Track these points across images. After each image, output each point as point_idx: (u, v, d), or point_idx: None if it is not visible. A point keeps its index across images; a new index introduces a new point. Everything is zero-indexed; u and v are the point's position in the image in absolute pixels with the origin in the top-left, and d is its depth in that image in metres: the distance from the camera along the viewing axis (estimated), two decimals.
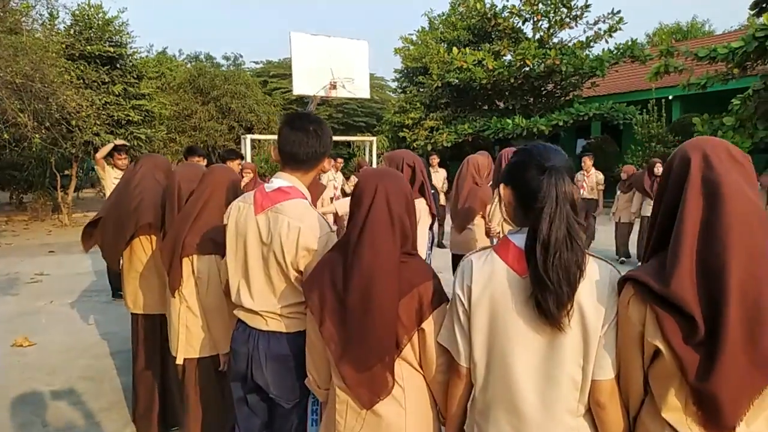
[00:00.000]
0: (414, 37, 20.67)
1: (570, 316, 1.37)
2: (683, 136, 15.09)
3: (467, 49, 16.83)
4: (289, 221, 2.02)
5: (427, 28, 21.05)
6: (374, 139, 13.89)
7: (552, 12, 16.27)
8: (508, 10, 16.82)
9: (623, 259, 8.94)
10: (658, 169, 8.28)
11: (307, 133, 2.09)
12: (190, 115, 20.40)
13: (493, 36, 18.69)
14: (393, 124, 19.96)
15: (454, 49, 16.83)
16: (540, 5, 16.70)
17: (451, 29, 19.35)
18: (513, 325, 1.44)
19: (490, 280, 1.48)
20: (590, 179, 9.29)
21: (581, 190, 9.17)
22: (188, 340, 2.77)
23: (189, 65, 28.20)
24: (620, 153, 17.45)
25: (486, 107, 19.23)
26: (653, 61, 17.38)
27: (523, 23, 16.84)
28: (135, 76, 14.41)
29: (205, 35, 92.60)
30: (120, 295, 6.95)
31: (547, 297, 1.35)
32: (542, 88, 17.66)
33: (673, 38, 28.38)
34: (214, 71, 22.29)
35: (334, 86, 12.16)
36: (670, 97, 17.01)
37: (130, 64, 14.54)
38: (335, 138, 14.59)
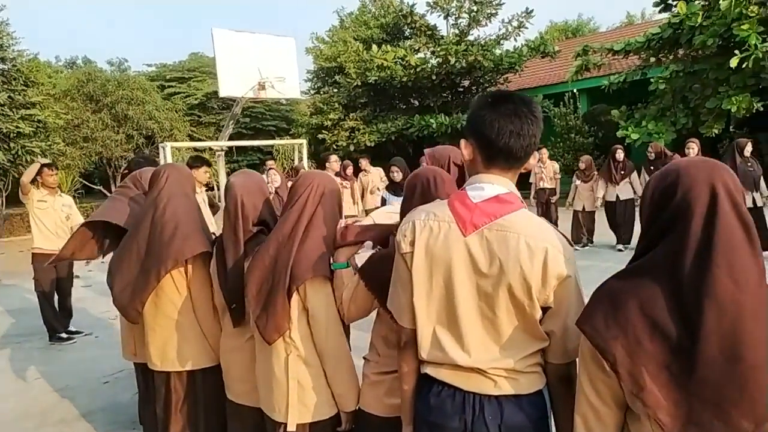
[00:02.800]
0: (326, 37, 20.05)
1: None
2: (597, 126, 15.92)
3: (388, 46, 16.54)
4: (527, 241, 1.46)
5: (338, 27, 20.50)
6: (303, 141, 13.15)
7: (468, 9, 16.42)
8: (427, 6, 16.73)
9: (621, 247, 8.84)
10: (619, 154, 8.67)
11: (523, 118, 1.54)
12: (79, 124, 18.29)
13: (407, 34, 18.59)
14: (310, 126, 19.23)
15: (374, 47, 16.48)
16: (454, 3, 16.84)
17: (364, 27, 18.98)
18: None
19: None
20: (548, 169, 9.69)
21: (540, 181, 9.52)
22: (301, 399, 2.08)
23: (67, 71, 25.46)
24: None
25: (404, 106, 19.09)
26: (562, 57, 18.29)
27: (446, 17, 16.83)
28: (22, 83, 12.52)
29: (80, 39, 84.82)
30: (61, 338, 5.79)
31: None
32: (460, 85, 17.82)
33: (563, 36, 30.14)
34: (105, 76, 20.19)
35: (262, 86, 11.35)
36: (575, 91, 17.93)
37: (15, 68, 12.60)
38: (255, 142, 13.73)
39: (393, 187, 6.08)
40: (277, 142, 15.61)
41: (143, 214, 2.67)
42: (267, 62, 11.31)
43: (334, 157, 7.94)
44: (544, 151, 10.12)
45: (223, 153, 13.16)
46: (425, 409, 1.63)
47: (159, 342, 2.70)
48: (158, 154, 20.70)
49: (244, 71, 11.05)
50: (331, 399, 2.11)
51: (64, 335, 5.87)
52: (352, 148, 17.89)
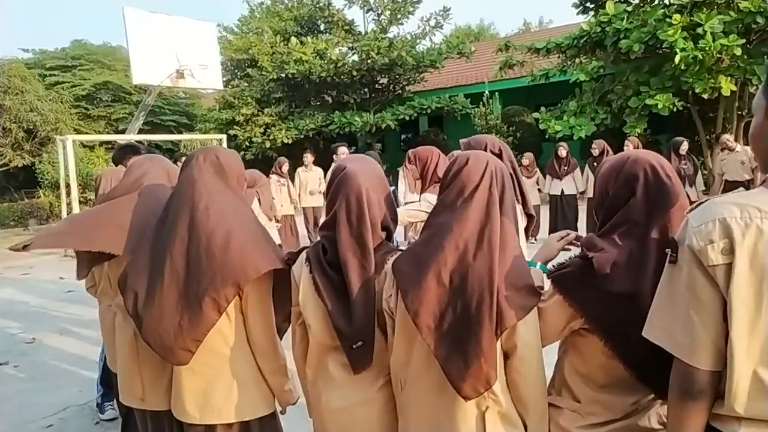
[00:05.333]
0: (234, 27, 18.89)
1: None
2: (515, 126, 16.39)
3: (309, 38, 15.84)
4: None
5: (248, 17, 19.40)
6: (223, 137, 12.15)
7: (390, 6, 16.21)
8: (346, 0, 16.26)
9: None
10: (561, 151, 8.89)
11: None
12: None
13: (322, 28, 18.00)
14: (220, 121, 17.97)
15: (293, 40, 15.72)
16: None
17: (278, 19, 18.11)
18: None
19: None
20: None
21: None
22: None
23: None
24: (447, 145, 18.27)
25: (319, 102, 18.47)
26: (474, 59, 18.62)
27: (368, 11, 16.43)
28: None
29: None
30: None
31: None
32: (379, 83, 17.55)
33: (467, 39, 30.94)
34: None
35: (181, 74, 10.25)
36: (487, 92, 18.35)
37: None
38: (169, 137, 12.56)
39: None
40: (195, 136, 14.30)
41: (172, 220, 1.93)
42: (186, 48, 10.23)
43: (342, 149, 7.21)
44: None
45: None
46: None
47: (199, 385, 1.99)
48: (41, 149, 18.57)
49: (161, 57, 9.90)
50: None
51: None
52: (267, 144, 16.96)
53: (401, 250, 1.72)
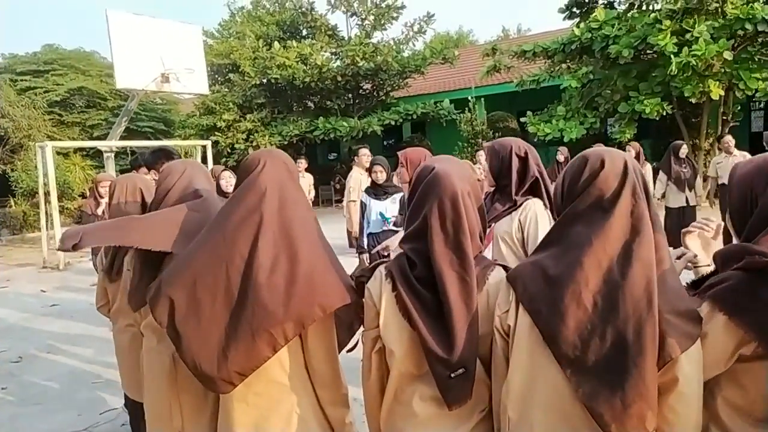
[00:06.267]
0: (215, 32, 18.55)
1: None
2: (501, 132, 16.35)
3: (294, 42, 15.61)
4: None
5: (230, 22, 19.07)
6: (208, 143, 11.83)
7: (374, 11, 16.10)
8: (328, 5, 16.09)
9: None
10: (560, 156, 8.83)
11: None
12: None
13: (305, 33, 17.79)
14: (201, 127, 17.58)
15: (276, 44, 15.48)
16: (356, 4, 16.43)
17: (259, 23, 17.84)
18: None
19: None
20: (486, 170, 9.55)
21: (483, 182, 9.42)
22: None
23: None
24: (432, 150, 18.19)
25: (301, 108, 18.22)
26: (460, 64, 18.61)
27: (352, 15, 16.28)
28: None
29: None
30: None
31: None
32: (363, 88, 17.40)
33: (450, 46, 31.03)
34: None
35: (166, 79, 9.95)
36: (470, 98, 18.35)
37: None
38: (152, 143, 12.18)
39: (375, 190, 5.37)
40: (180, 142, 13.89)
41: (232, 232, 1.66)
42: (171, 52, 9.94)
43: (364, 151, 6.99)
44: (481, 153, 10.12)
45: (113, 155, 11.41)
46: None
47: (251, 417, 1.74)
48: (13, 156, 17.88)
49: (145, 60, 9.59)
50: None
51: None
52: (250, 151, 16.63)
53: (501, 264, 1.55)
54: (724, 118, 11.59)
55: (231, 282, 1.63)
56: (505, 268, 1.53)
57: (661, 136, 13.55)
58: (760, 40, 9.74)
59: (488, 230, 3.25)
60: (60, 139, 19.43)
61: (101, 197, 5.47)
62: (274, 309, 1.55)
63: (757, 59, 10.00)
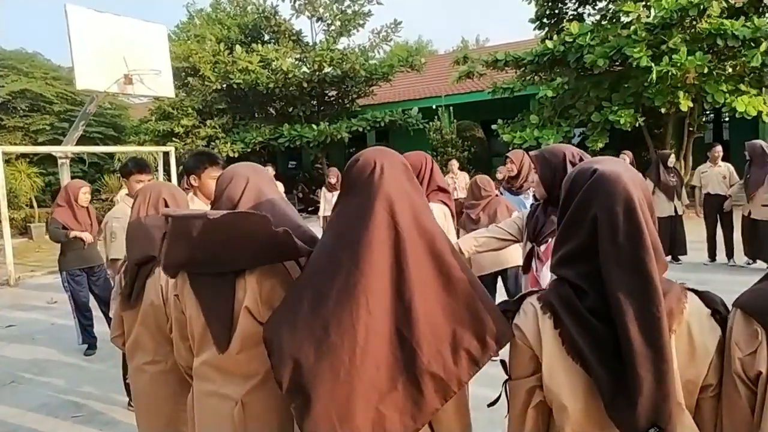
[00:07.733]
0: (172, 34, 17.77)
1: None
2: (469, 141, 16.34)
3: (260, 45, 15.11)
4: None
5: (188, 23, 18.35)
6: (171, 149, 11.20)
7: (340, 17, 15.83)
8: (293, 10, 15.71)
9: None
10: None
11: None
12: None
13: (267, 37, 17.32)
14: (156, 132, 16.77)
15: (238, 48, 14.95)
16: (321, 8, 16.13)
17: (220, 26, 17.24)
18: None
19: None
20: (460, 180, 9.71)
21: (455, 191, 9.30)
22: None
23: None
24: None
25: (263, 115, 17.70)
26: (423, 73, 18.54)
27: (317, 20, 15.92)
28: None
29: None
30: None
31: None
32: (328, 95, 17.07)
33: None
34: None
35: (130, 80, 9.34)
36: (434, 107, 18.31)
37: None
38: (112, 149, 11.41)
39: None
40: (140, 149, 13.08)
41: (359, 261, 1.31)
42: (135, 52, 9.35)
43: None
44: (454, 162, 10.10)
45: (68, 161, 10.62)
46: None
47: None
48: None
49: (107, 60, 8.96)
50: None
51: None
52: None
53: (691, 288, 1.27)
54: (690, 129, 11.91)
55: (377, 325, 1.29)
56: (698, 292, 1.26)
57: (627, 145, 13.84)
58: (728, 54, 10.06)
59: (544, 246, 3.03)
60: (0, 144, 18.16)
61: (81, 206, 4.93)
62: (440, 348, 1.24)
63: (725, 74, 10.31)
